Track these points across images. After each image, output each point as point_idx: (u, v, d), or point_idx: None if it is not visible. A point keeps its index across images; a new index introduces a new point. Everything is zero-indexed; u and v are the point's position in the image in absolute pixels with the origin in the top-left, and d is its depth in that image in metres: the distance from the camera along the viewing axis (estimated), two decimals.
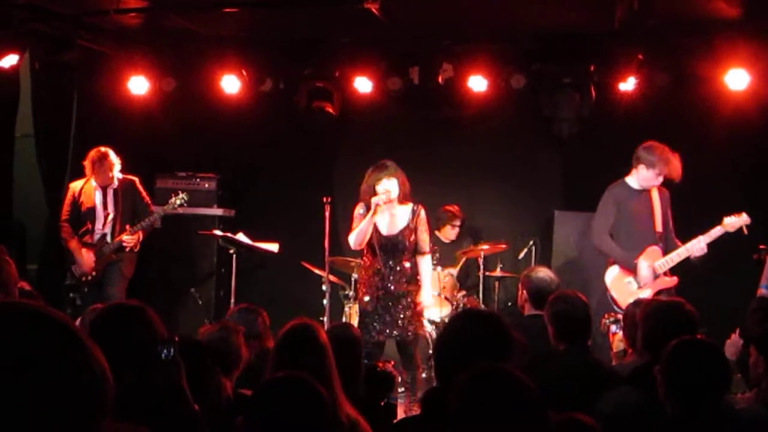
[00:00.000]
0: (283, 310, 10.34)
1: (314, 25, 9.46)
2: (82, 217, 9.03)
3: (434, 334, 8.62)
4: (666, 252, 8.00)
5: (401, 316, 7.54)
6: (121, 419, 2.29)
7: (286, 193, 10.77)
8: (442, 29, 9.56)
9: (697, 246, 7.87)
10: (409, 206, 7.62)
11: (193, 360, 3.49)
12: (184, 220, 10.02)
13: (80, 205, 9.03)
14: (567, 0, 8.38)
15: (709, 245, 7.92)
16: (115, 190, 9.02)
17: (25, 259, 9.83)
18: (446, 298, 9.13)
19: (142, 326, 3.33)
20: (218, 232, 9.45)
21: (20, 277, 6.30)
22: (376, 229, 7.53)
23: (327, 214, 8.24)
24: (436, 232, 9.73)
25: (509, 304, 9.93)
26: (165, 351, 3.23)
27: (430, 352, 8.38)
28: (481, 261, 9.57)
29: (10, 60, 9.12)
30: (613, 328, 6.54)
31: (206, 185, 10.51)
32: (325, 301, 8.76)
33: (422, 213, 7.68)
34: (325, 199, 8.26)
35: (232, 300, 9.15)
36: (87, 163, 8.97)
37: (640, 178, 8.02)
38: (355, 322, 9.07)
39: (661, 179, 8.01)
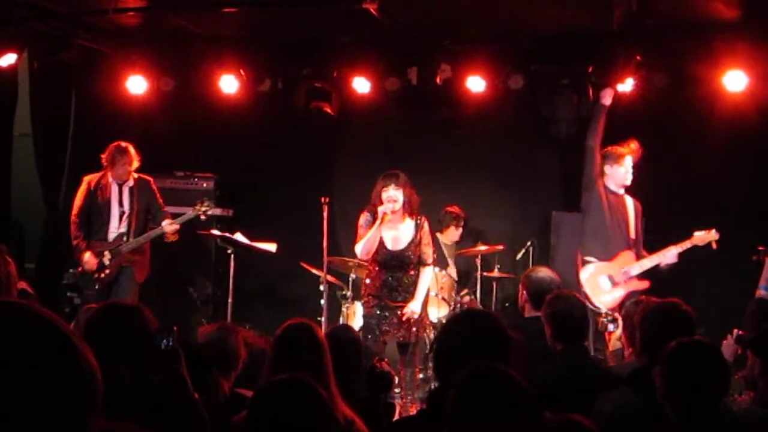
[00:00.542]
0: (280, 310, 10.38)
1: (312, 25, 9.47)
2: (97, 211, 8.84)
3: (432, 335, 8.62)
4: (636, 258, 8.27)
5: (407, 322, 7.57)
6: (119, 417, 2.29)
7: (284, 193, 10.77)
8: (441, 30, 9.56)
9: (669, 254, 8.19)
10: (413, 220, 7.62)
11: (188, 361, 3.50)
12: None
13: (96, 198, 8.84)
14: (565, 1, 8.38)
15: (681, 255, 8.26)
16: (131, 188, 8.91)
17: (23, 258, 9.83)
18: (444, 299, 9.13)
19: (138, 326, 3.34)
20: (216, 232, 9.44)
21: (19, 276, 6.31)
22: (381, 244, 7.54)
23: (325, 214, 8.25)
24: (438, 235, 9.72)
25: (507, 304, 9.94)
26: (164, 341, 3.31)
27: (428, 352, 8.39)
28: (478, 262, 9.57)
29: (9, 59, 9.13)
30: (610, 327, 6.56)
31: (204, 185, 10.51)
32: (322, 302, 8.76)
33: (426, 226, 7.71)
34: (323, 200, 8.26)
35: (230, 300, 9.14)
36: (106, 156, 8.82)
37: (612, 178, 8.31)
38: (352, 322, 9.09)
39: (628, 172, 8.27)
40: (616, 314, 6.65)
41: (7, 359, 1.47)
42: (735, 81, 8.92)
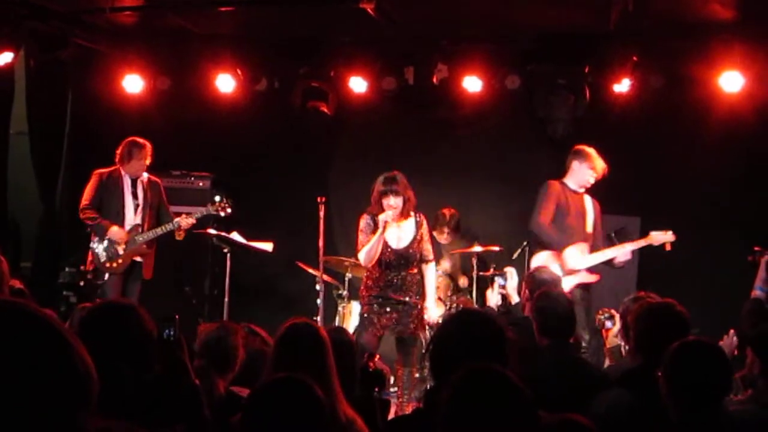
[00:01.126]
0: (276, 310, 10.37)
1: (309, 24, 9.47)
2: (109, 203, 8.71)
3: (428, 335, 8.63)
4: (592, 250, 8.24)
5: (407, 317, 7.57)
6: (116, 416, 2.29)
7: (280, 193, 10.75)
8: (437, 30, 9.57)
9: (623, 251, 8.18)
10: (413, 218, 7.64)
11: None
12: None
13: (108, 190, 8.71)
14: (562, 1, 8.39)
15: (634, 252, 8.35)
16: (144, 183, 8.84)
17: (19, 256, 9.82)
18: (440, 299, 9.13)
19: (134, 324, 3.35)
20: (212, 231, 9.42)
21: (14, 274, 6.29)
22: (385, 244, 7.54)
23: (321, 213, 8.25)
24: (434, 233, 9.72)
25: (499, 304, 9.93)
26: (167, 330, 3.41)
27: (424, 352, 8.39)
28: (474, 261, 9.57)
29: (5, 57, 9.12)
30: (608, 324, 6.58)
31: (200, 184, 10.49)
32: (318, 301, 8.76)
33: (425, 223, 7.75)
34: (319, 199, 8.26)
35: (226, 299, 9.14)
36: (121, 151, 8.72)
37: (576, 176, 8.30)
38: (348, 321, 9.10)
39: (593, 176, 8.24)
40: (613, 311, 6.67)
41: (3, 357, 1.46)
42: (731, 82, 8.94)
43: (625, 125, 9.77)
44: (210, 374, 4.40)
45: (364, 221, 7.60)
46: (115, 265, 8.65)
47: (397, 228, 7.58)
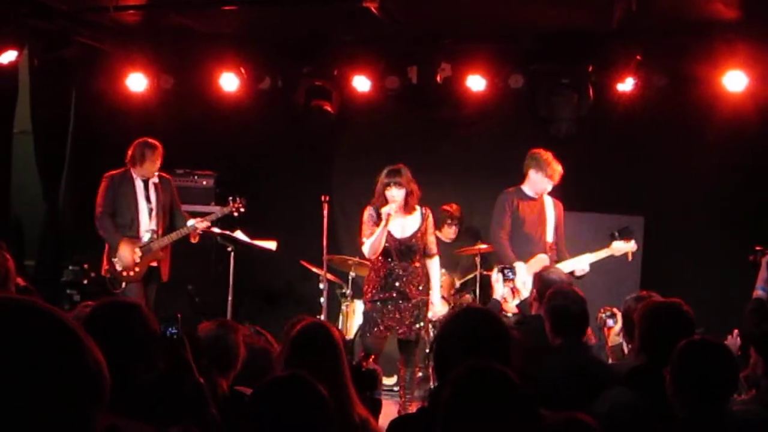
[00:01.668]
0: (280, 309, 10.39)
1: (313, 23, 9.47)
2: (123, 207, 8.55)
3: (431, 333, 8.63)
4: (553, 262, 8.17)
5: (411, 315, 7.56)
6: (121, 412, 2.30)
7: (284, 192, 10.75)
8: (441, 29, 9.56)
9: (579, 266, 8.18)
10: (418, 210, 7.63)
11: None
12: None
13: (122, 194, 8.55)
14: (566, 0, 8.38)
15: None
16: (155, 184, 8.69)
17: (22, 255, 9.83)
18: (443, 297, 9.12)
19: (138, 323, 3.35)
20: (216, 230, 9.42)
21: (17, 273, 6.30)
22: (390, 234, 7.53)
23: (325, 212, 8.26)
24: (437, 232, 9.72)
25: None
26: (170, 329, 3.43)
27: (427, 351, 8.40)
28: (478, 260, 9.56)
29: (9, 56, 9.13)
30: (609, 322, 6.59)
31: (204, 183, 10.50)
32: (322, 300, 8.77)
33: (430, 217, 7.74)
34: (323, 198, 8.27)
35: (230, 298, 9.14)
36: (132, 152, 8.53)
37: (532, 185, 8.36)
38: (351, 320, 9.10)
39: (550, 183, 8.28)
40: (615, 309, 6.67)
41: (12, 354, 1.47)
42: (735, 81, 8.93)
43: (629, 124, 9.76)
44: (211, 373, 4.40)
45: (368, 213, 7.61)
46: (132, 273, 8.52)
47: (402, 219, 7.58)
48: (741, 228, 9.39)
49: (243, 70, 9.98)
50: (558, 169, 8.26)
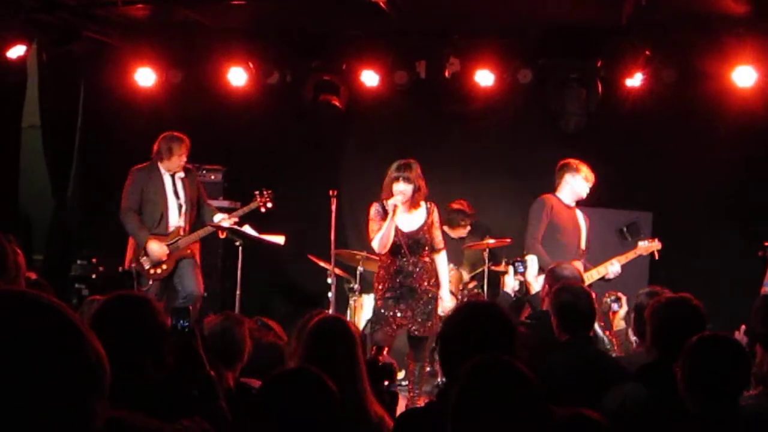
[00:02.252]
0: (288, 303, 10.40)
1: (321, 18, 9.46)
2: (151, 204, 8.42)
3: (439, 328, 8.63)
4: (587, 269, 8.16)
5: (422, 312, 7.56)
6: (130, 406, 2.30)
7: (292, 186, 10.74)
8: (449, 23, 9.56)
9: (612, 269, 8.16)
10: (423, 205, 7.63)
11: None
12: None
13: (150, 191, 8.41)
14: None
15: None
16: (182, 179, 8.58)
17: (31, 249, 9.85)
18: (451, 292, 9.12)
19: (148, 317, 3.35)
20: (225, 224, 9.42)
21: (27, 267, 6.31)
22: (397, 228, 7.53)
23: (333, 207, 8.26)
24: (446, 228, 9.70)
25: (514, 298, 9.92)
26: (181, 321, 3.43)
27: (434, 345, 8.39)
28: (486, 255, 9.55)
29: (18, 51, 9.15)
30: (614, 306, 6.60)
31: (212, 177, 10.49)
32: (330, 294, 8.77)
33: (435, 211, 7.73)
34: (331, 192, 8.26)
35: (238, 292, 9.13)
36: (159, 146, 8.43)
37: (570, 189, 8.30)
38: (360, 315, 9.10)
39: (588, 186, 8.25)
40: (620, 294, 6.68)
41: (11, 346, 1.47)
42: (744, 76, 8.91)
43: (637, 120, 9.75)
44: (217, 366, 4.40)
45: (374, 209, 7.60)
46: (159, 271, 8.43)
47: (408, 214, 7.58)
48: (749, 224, 9.37)
49: (251, 65, 9.99)
50: (592, 173, 8.27)
